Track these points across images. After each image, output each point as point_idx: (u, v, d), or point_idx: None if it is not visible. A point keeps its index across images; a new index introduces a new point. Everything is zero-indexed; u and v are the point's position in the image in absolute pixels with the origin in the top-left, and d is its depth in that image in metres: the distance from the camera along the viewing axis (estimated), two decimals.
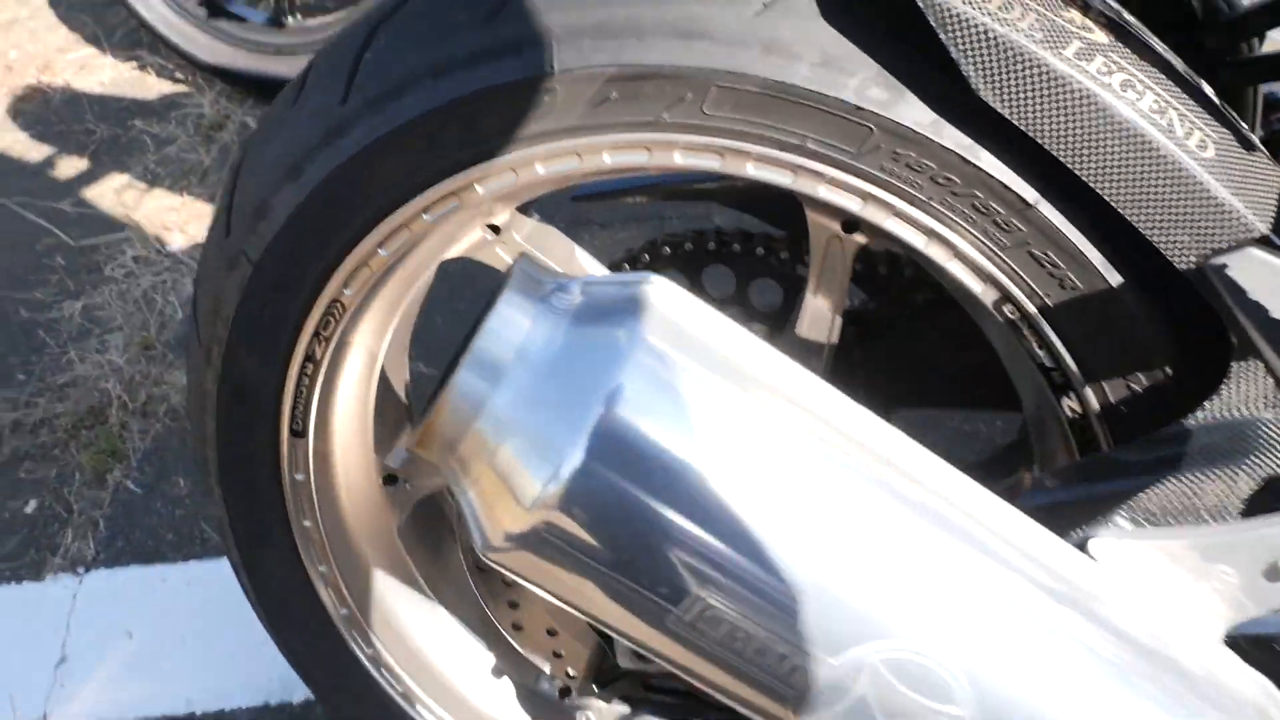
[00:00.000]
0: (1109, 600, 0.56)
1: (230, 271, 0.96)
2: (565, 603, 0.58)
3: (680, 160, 0.80)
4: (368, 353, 1.04)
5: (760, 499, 0.51)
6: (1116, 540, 0.59)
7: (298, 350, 0.98)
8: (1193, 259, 0.68)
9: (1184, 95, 0.67)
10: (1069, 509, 0.61)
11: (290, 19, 2.41)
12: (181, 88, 2.56)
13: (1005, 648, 0.53)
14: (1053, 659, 0.53)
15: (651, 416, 0.50)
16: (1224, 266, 0.59)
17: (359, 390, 1.06)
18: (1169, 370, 0.75)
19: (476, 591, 1.05)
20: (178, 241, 2.18)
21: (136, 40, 2.70)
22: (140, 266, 2.12)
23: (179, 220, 2.22)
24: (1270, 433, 0.66)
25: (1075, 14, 0.67)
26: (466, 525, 0.58)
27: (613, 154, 0.81)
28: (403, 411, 1.15)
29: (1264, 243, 0.64)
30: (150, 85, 2.61)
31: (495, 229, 0.96)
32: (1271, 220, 0.66)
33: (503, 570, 0.57)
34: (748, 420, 0.51)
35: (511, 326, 0.52)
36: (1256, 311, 0.58)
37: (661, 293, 0.52)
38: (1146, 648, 0.56)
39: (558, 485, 0.51)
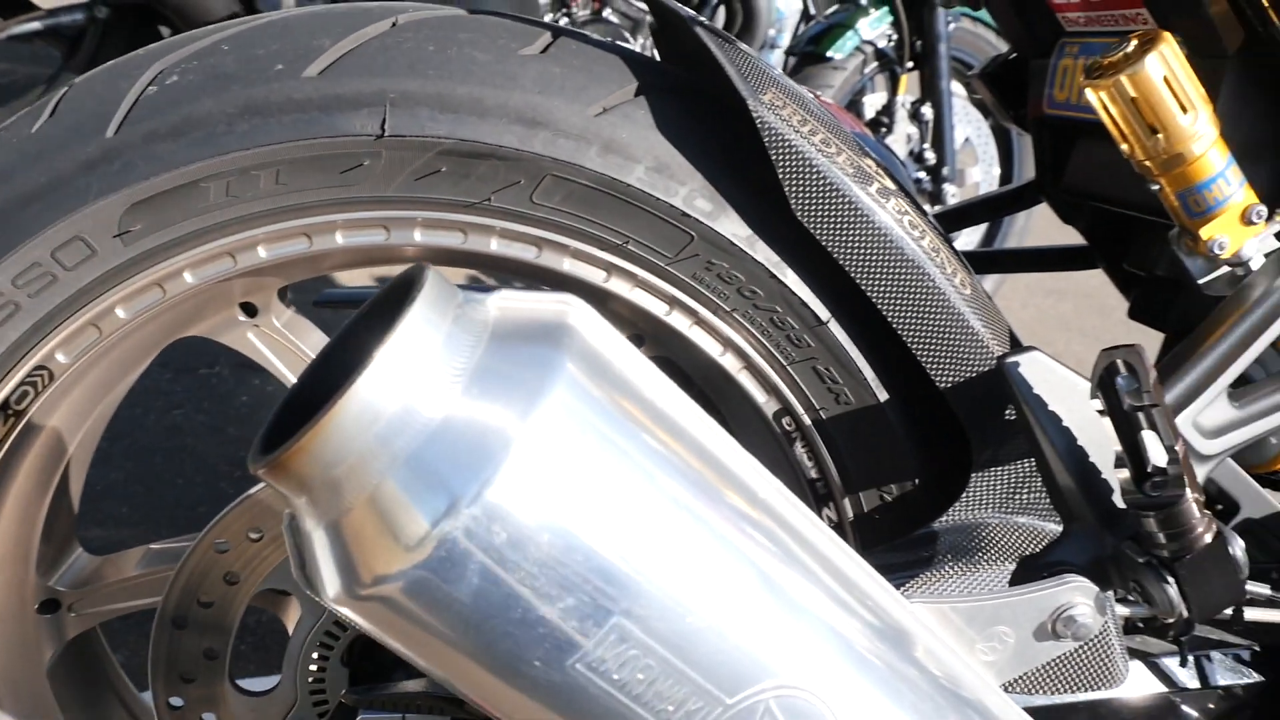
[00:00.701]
0: (924, 647, 0.60)
1: None
2: (427, 658, 0.50)
3: (495, 247, 0.79)
4: (57, 444, 0.87)
5: (663, 552, 0.49)
6: (926, 602, 0.64)
7: None
8: (949, 378, 0.79)
9: (946, 240, 0.80)
10: (893, 571, 0.66)
11: None
12: None
13: (856, 681, 0.55)
14: (891, 688, 0.56)
15: (568, 456, 0.47)
16: (1016, 365, 0.69)
17: (34, 489, 0.87)
18: (916, 481, 0.84)
19: None
20: None
21: None
22: None
23: None
24: (1006, 530, 0.77)
25: (870, 162, 0.78)
26: (317, 566, 0.49)
27: (425, 231, 0.79)
28: (72, 525, 0.95)
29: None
30: None
31: (251, 311, 0.87)
32: (1003, 345, 0.79)
33: (359, 618, 0.49)
34: (665, 469, 0.50)
35: (423, 338, 0.46)
36: (1039, 403, 0.69)
37: (582, 317, 0.51)
38: (947, 688, 0.60)
39: (453, 524, 0.45)
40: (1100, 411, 0.63)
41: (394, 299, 0.49)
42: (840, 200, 0.75)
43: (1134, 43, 0.69)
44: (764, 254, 0.78)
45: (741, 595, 0.50)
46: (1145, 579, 0.64)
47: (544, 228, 0.78)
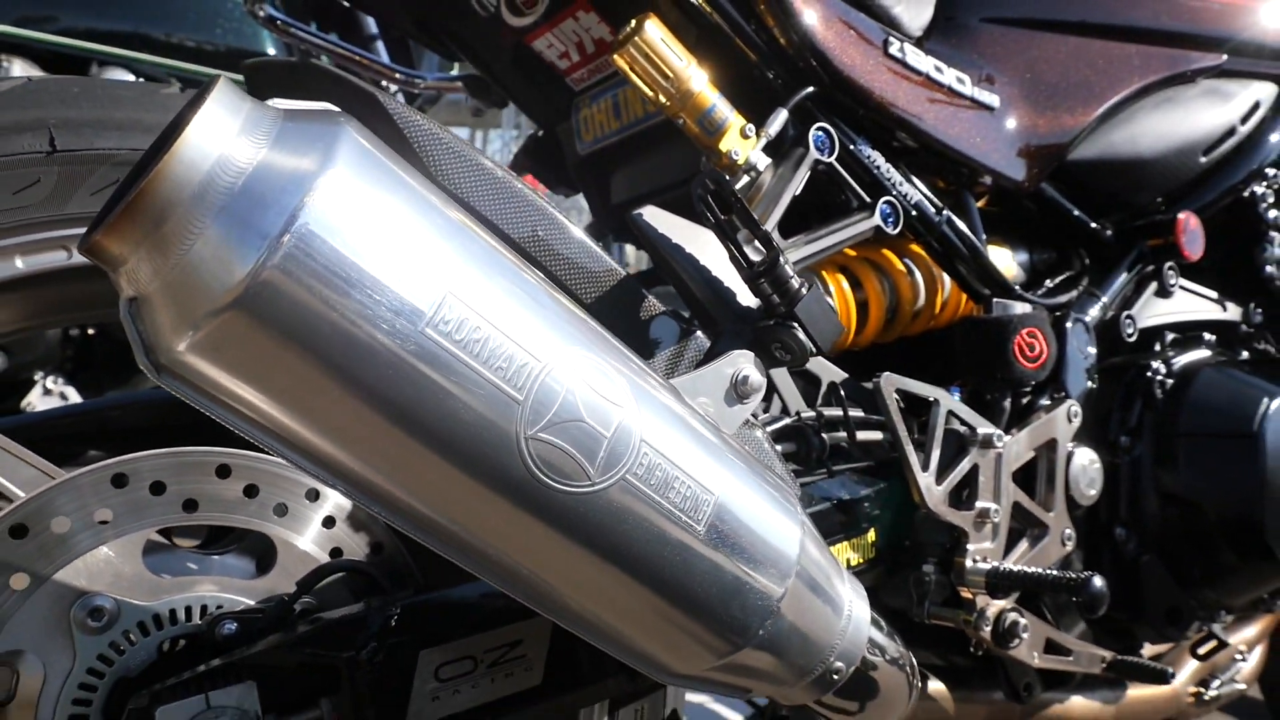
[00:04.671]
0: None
1: None
2: (281, 394, 0.54)
3: None
4: None
5: (461, 254, 0.60)
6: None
7: None
8: None
9: None
10: None
11: None
12: None
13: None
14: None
15: (374, 178, 0.58)
16: (642, 215, 0.90)
17: None
18: None
19: None
20: None
21: None
22: None
23: None
24: None
25: None
26: (161, 325, 0.52)
27: None
28: None
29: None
30: None
31: None
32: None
33: (211, 366, 0.52)
34: (444, 208, 0.61)
35: (232, 106, 0.54)
36: (667, 242, 0.89)
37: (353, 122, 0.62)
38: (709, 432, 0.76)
39: (287, 239, 0.52)
40: (707, 222, 0.86)
41: (191, 105, 0.56)
42: None
43: (633, 22, 0.98)
44: None
45: (523, 284, 0.63)
46: (781, 335, 0.86)
47: None
